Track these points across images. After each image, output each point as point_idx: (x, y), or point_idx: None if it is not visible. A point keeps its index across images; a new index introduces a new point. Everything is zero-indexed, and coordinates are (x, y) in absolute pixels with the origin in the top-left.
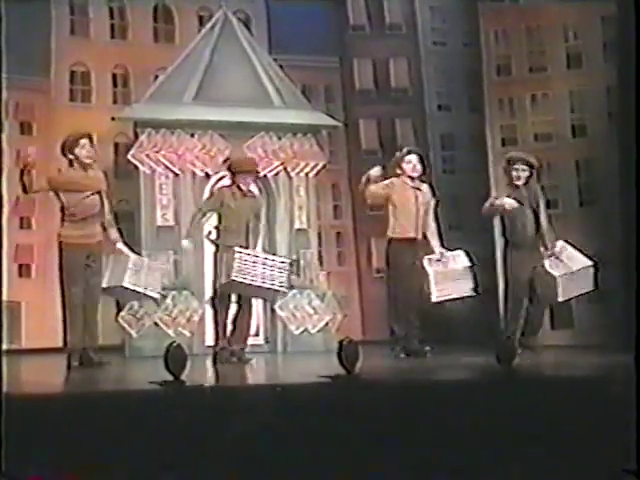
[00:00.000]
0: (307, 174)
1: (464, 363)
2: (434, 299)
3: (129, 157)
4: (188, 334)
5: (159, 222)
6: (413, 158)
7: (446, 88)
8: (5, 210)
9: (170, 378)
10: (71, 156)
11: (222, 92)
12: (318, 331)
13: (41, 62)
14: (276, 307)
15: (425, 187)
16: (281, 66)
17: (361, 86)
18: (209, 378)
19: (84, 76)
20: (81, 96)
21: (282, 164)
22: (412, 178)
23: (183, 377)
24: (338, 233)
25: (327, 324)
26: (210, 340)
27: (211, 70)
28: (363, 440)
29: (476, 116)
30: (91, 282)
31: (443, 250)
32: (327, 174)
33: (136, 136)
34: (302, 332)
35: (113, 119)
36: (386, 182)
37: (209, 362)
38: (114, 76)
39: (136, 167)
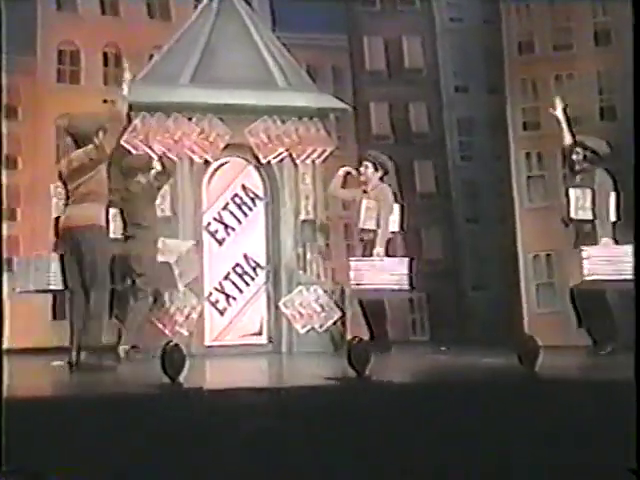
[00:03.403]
0: (313, 161)
1: (483, 364)
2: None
3: (121, 142)
4: (186, 333)
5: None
6: (362, 170)
7: (463, 68)
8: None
9: (167, 380)
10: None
11: (222, 73)
12: (326, 330)
13: (26, 40)
14: (280, 304)
15: (375, 192)
16: (285, 45)
17: (371, 66)
18: (208, 380)
19: (73, 55)
20: (70, 77)
21: (287, 150)
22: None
23: (181, 379)
24: (346, 225)
25: (335, 322)
26: (210, 340)
27: (210, 49)
28: (374, 448)
29: (496, 98)
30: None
31: (381, 250)
32: (335, 161)
33: (129, 120)
34: (308, 331)
35: (105, 101)
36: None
37: (209, 363)
38: (105, 55)
39: (129, 153)
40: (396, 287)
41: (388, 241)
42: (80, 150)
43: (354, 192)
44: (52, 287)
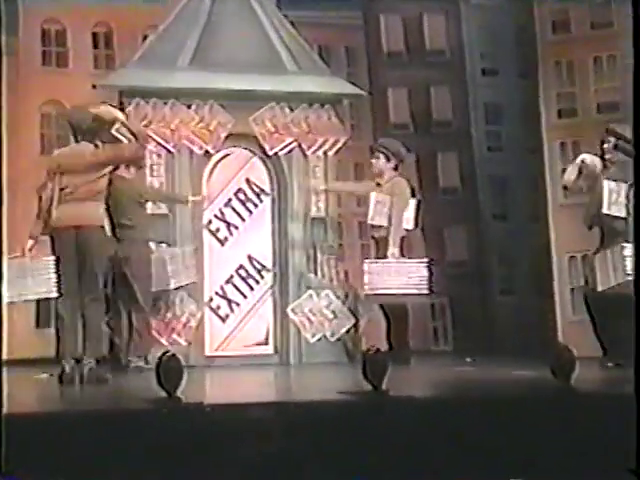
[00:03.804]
0: (325, 152)
1: (513, 377)
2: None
3: (113, 132)
4: (184, 343)
5: (150, 209)
6: (374, 161)
7: (491, 49)
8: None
9: (163, 395)
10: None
11: (223, 55)
12: (338, 339)
13: (6, 17)
14: (288, 310)
15: (389, 185)
16: (293, 23)
17: (389, 48)
18: (209, 394)
19: (59, 35)
20: (56, 59)
21: (295, 140)
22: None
23: (179, 393)
24: (361, 223)
25: (349, 331)
26: (210, 350)
27: (210, 28)
28: (392, 469)
29: (527, 82)
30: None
31: (396, 250)
32: (349, 152)
33: (122, 107)
34: (319, 340)
35: (94, 87)
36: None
37: (210, 375)
38: (95, 36)
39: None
40: (414, 291)
41: (403, 240)
42: (90, 147)
43: (365, 185)
44: (53, 295)
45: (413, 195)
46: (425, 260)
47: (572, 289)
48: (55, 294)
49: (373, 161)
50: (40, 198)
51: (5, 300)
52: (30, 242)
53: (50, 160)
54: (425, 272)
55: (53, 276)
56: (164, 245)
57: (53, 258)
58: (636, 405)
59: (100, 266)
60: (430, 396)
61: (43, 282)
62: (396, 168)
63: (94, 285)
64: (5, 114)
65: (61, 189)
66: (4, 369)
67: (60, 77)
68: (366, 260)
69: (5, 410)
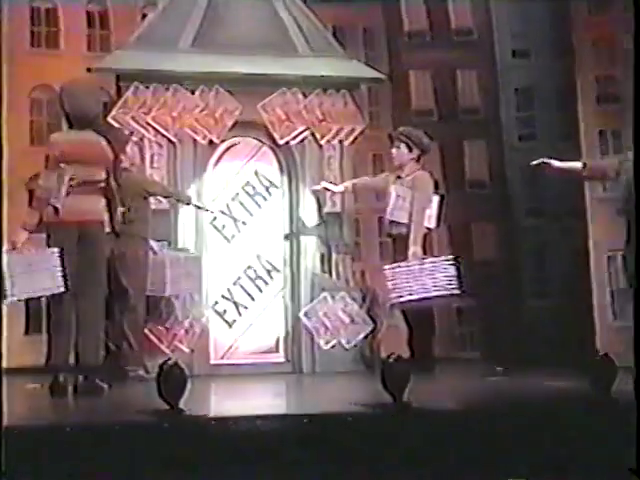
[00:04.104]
0: (341, 141)
1: (547, 388)
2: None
3: (109, 120)
4: (187, 350)
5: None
6: (394, 152)
7: (523, 28)
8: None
9: (165, 407)
10: None
11: (230, 35)
12: (355, 346)
13: None
14: (301, 314)
15: (410, 178)
16: (306, 1)
17: (411, 27)
18: (214, 406)
19: (49, 14)
20: (46, 40)
21: (308, 129)
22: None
23: (181, 405)
24: (380, 219)
25: (367, 336)
26: (215, 358)
27: (215, 6)
28: None
29: (562, 65)
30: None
31: (418, 249)
32: (367, 141)
33: (119, 92)
34: (334, 347)
35: (89, 70)
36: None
37: (215, 385)
38: (89, 15)
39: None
40: (443, 292)
41: (425, 239)
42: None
43: (384, 179)
44: (61, 290)
45: (436, 189)
46: (451, 258)
47: (612, 291)
48: (63, 289)
49: (393, 151)
50: (31, 190)
51: (9, 299)
52: (24, 235)
53: (52, 146)
54: (453, 271)
55: (59, 269)
56: (165, 245)
57: (58, 250)
58: (636, 405)
59: (101, 265)
60: (456, 409)
61: (49, 276)
62: (418, 159)
63: (93, 286)
64: None
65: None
66: None
67: (51, 60)
68: (387, 267)
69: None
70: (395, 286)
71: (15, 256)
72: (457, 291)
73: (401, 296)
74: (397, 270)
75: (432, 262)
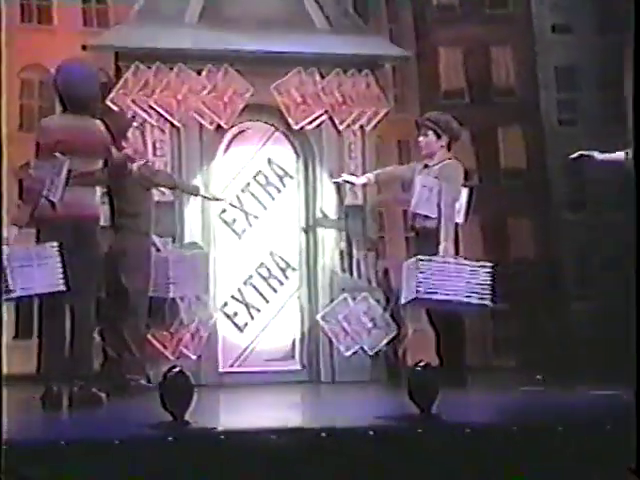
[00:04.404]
0: (362, 127)
1: (592, 399)
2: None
3: (108, 102)
4: (193, 357)
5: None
6: (422, 140)
7: (564, 1)
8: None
9: (169, 419)
10: None
11: (240, 9)
12: (378, 352)
13: None
14: (318, 317)
15: (439, 168)
16: None
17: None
18: (223, 419)
19: None
20: (38, 15)
21: (326, 112)
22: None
23: (187, 417)
24: (406, 212)
25: (391, 342)
26: (224, 365)
27: None
28: None
29: (607, 40)
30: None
31: (449, 246)
32: (391, 126)
33: (118, 72)
34: (355, 353)
35: (84, 48)
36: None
37: (224, 396)
38: None
39: (117, 115)
40: (473, 300)
41: (455, 235)
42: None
43: (411, 168)
44: (61, 288)
45: (466, 180)
46: (488, 265)
47: None
48: (63, 287)
49: (420, 139)
50: (20, 181)
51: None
52: (14, 231)
53: (43, 133)
54: (488, 279)
55: (59, 266)
56: (169, 241)
57: (57, 244)
58: (636, 405)
59: (97, 264)
60: (490, 422)
61: (49, 273)
62: (449, 147)
63: (88, 286)
64: None
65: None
66: None
67: (43, 36)
68: (421, 257)
69: None
70: (424, 280)
71: (13, 249)
72: (489, 302)
73: (428, 292)
74: (430, 264)
75: (470, 265)
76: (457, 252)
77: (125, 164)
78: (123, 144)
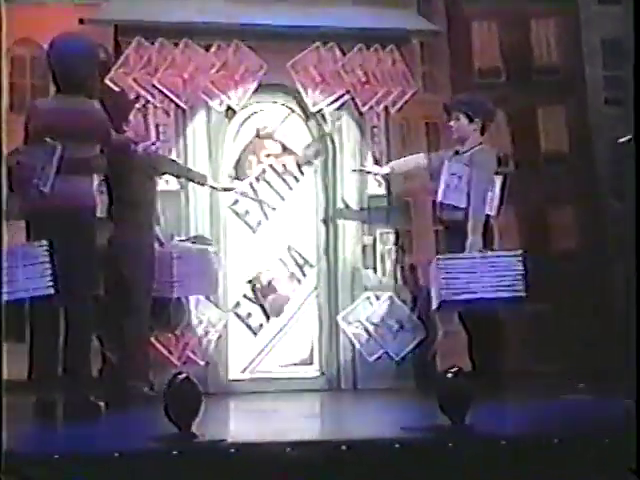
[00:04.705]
0: (387, 108)
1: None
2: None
3: (107, 81)
4: (201, 362)
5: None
6: (453, 124)
7: None
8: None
9: (174, 430)
10: None
11: None
12: (404, 357)
13: None
14: (339, 319)
15: (470, 154)
16: None
17: None
18: (234, 430)
19: None
20: None
21: (348, 93)
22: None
23: (194, 429)
24: (435, 202)
25: (419, 346)
26: (235, 372)
27: None
28: None
29: None
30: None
31: (477, 239)
32: (419, 108)
33: (118, 49)
34: (379, 358)
35: (82, 22)
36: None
37: (235, 405)
38: None
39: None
40: (503, 293)
41: (486, 226)
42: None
43: (441, 155)
44: (49, 291)
45: (499, 166)
46: (519, 252)
47: None
48: (52, 290)
49: (451, 124)
50: (9, 169)
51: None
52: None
53: (33, 115)
54: (521, 268)
55: (48, 266)
56: (174, 235)
57: (46, 242)
58: (636, 405)
59: (94, 259)
60: (529, 434)
61: (36, 275)
62: (482, 131)
63: (83, 284)
64: None
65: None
66: None
67: (35, 9)
68: (439, 256)
69: None
70: (448, 281)
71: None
72: (524, 294)
73: (454, 293)
74: (451, 261)
75: (496, 256)
76: (491, 247)
77: (126, 148)
78: (124, 127)
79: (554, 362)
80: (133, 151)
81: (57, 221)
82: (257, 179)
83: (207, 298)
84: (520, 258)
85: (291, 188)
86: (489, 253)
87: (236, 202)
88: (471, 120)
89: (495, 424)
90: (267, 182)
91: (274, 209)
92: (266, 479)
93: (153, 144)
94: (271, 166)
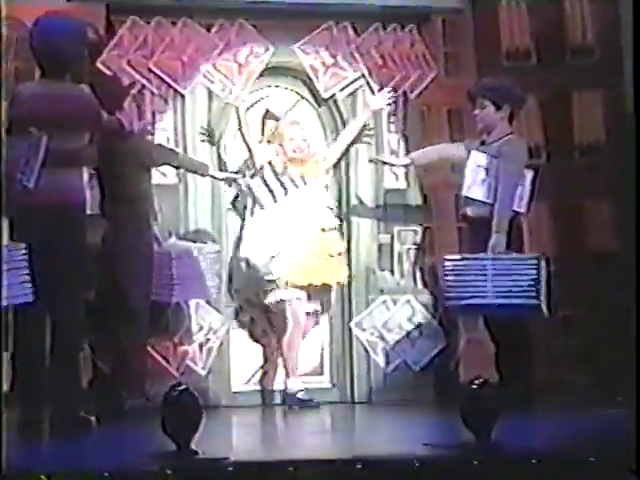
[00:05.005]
0: (405, 94)
1: None
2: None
3: (99, 64)
4: (202, 372)
5: (154, 179)
6: (478, 112)
7: None
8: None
9: (172, 447)
10: None
11: None
12: (424, 367)
13: None
14: (352, 325)
15: (498, 145)
16: None
17: None
18: (237, 447)
19: None
20: None
21: (362, 77)
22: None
23: (193, 446)
24: (458, 197)
25: (439, 355)
26: (238, 383)
27: None
28: None
29: None
30: None
31: (501, 238)
32: (440, 93)
33: (110, 29)
34: (396, 369)
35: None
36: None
37: (237, 419)
38: None
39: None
40: (516, 301)
41: (512, 224)
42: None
43: (465, 145)
44: (28, 299)
45: (530, 157)
46: (534, 255)
47: None
48: (30, 298)
49: (476, 112)
50: None
51: None
52: None
53: (16, 103)
54: (534, 272)
55: (26, 272)
56: (172, 233)
57: (24, 246)
58: (636, 406)
59: (84, 259)
60: (561, 452)
61: (13, 281)
62: (511, 120)
63: (73, 286)
64: None
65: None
66: None
67: None
68: (447, 257)
69: None
70: (454, 284)
71: None
72: (538, 301)
73: (460, 298)
74: (459, 263)
75: (509, 258)
76: (520, 247)
77: (120, 131)
78: (117, 116)
79: (589, 373)
80: (128, 134)
81: (43, 219)
82: (252, 176)
83: (208, 303)
84: (536, 261)
85: (286, 190)
86: (502, 255)
87: (238, 197)
88: (498, 107)
89: (524, 441)
90: (263, 180)
91: (262, 208)
92: None
93: (151, 125)
94: (270, 163)
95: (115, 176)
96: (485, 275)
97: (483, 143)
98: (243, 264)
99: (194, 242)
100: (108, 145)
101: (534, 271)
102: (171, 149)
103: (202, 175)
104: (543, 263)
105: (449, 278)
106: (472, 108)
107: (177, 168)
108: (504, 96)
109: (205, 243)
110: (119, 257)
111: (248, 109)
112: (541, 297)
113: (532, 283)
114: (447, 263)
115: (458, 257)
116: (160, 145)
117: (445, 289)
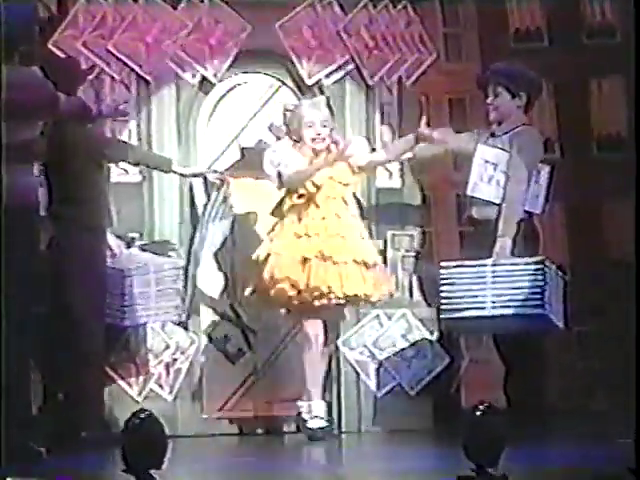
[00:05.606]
0: (400, 79)
1: None
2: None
3: (50, 46)
4: (169, 397)
5: (113, 176)
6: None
7: None
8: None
9: None
10: None
11: None
12: (421, 390)
13: None
14: (340, 343)
15: (509, 137)
16: None
17: None
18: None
19: None
20: None
21: (352, 61)
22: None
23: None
24: (460, 197)
25: (440, 375)
26: (211, 409)
27: None
28: None
29: None
30: None
31: (507, 243)
32: (440, 80)
33: (63, 6)
34: (390, 392)
35: None
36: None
37: (210, 450)
38: None
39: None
40: (525, 309)
41: (520, 227)
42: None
43: (471, 137)
44: None
45: (545, 154)
46: (538, 260)
47: None
48: None
49: (489, 100)
50: None
51: None
52: None
53: None
54: (539, 279)
55: None
56: (135, 240)
57: None
58: (636, 406)
59: (34, 268)
60: None
61: None
62: (527, 109)
63: (21, 299)
64: None
65: None
66: None
67: None
68: (442, 263)
69: None
70: (449, 295)
71: None
72: (542, 310)
73: (455, 310)
74: (455, 271)
75: (511, 264)
76: (535, 252)
77: (86, 113)
78: (73, 103)
79: (609, 397)
80: (96, 115)
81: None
82: (221, 173)
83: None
84: (540, 265)
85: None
86: (503, 260)
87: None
88: (514, 95)
89: (535, 473)
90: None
91: (232, 208)
92: None
93: (123, 104)
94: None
95: (62, 172)
96: (484, 284)
97: (492, 135)
98: (220, 274)
99: (156, 254)
100: (57, 135)
101: (539, 277)
102: (125, 142)
103: (165, 171)
104: (549, 268)
105: (444, 288)
106: (484, 96)
107: (136, 165)
108: (520, 82)
109: (169, 256)
110: (66, 267)
111: (222, 98)
112: (546, 306)
113: (537, 291)
114: (442, 271)
115: (453, 264)
116: (114, 138)
117: (440, 300)
